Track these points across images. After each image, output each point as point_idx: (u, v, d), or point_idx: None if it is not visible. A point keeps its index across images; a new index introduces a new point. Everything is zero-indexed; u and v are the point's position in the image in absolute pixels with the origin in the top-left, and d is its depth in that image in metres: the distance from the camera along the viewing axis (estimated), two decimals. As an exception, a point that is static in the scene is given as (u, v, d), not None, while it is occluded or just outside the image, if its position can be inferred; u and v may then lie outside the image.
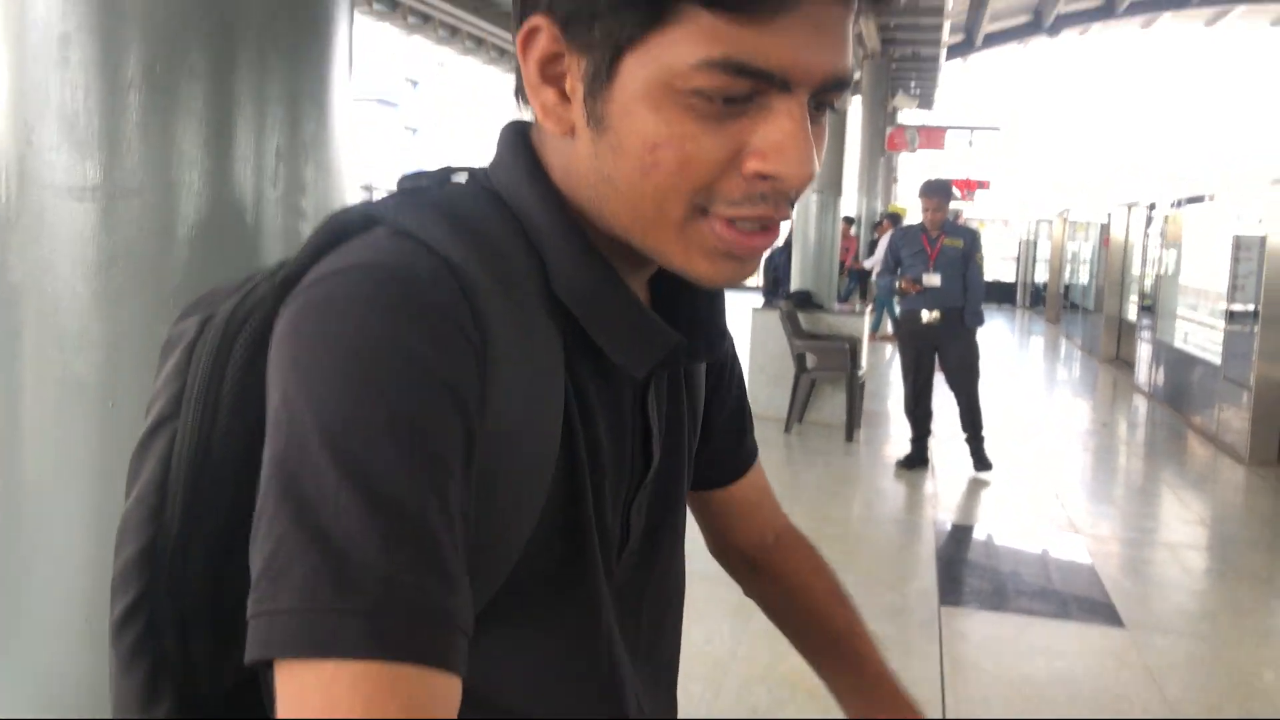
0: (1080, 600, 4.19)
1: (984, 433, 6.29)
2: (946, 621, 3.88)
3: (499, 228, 0.61)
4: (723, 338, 0.73)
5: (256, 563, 0.50)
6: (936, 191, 6.29)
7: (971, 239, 6.31)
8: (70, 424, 0.94)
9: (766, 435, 7.24)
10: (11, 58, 0.93)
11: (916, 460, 6.41)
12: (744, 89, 0.55)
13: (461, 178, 0.66)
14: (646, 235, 0.61)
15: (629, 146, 0.57)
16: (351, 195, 1.15)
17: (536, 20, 0.59)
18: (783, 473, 6.37)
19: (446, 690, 0.48)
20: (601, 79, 0.57)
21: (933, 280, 6.14)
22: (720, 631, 3.54)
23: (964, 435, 6.33)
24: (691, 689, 3.13)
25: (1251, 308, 7.20)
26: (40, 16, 0.92)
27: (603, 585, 0.66)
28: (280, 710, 0.47)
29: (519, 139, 0.65)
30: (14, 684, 0.94)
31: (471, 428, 0.54)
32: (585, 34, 0.57)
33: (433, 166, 0.68)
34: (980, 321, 6.30)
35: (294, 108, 1.03)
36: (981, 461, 6.28)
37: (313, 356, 0.52)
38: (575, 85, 0.59)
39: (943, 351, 6.28)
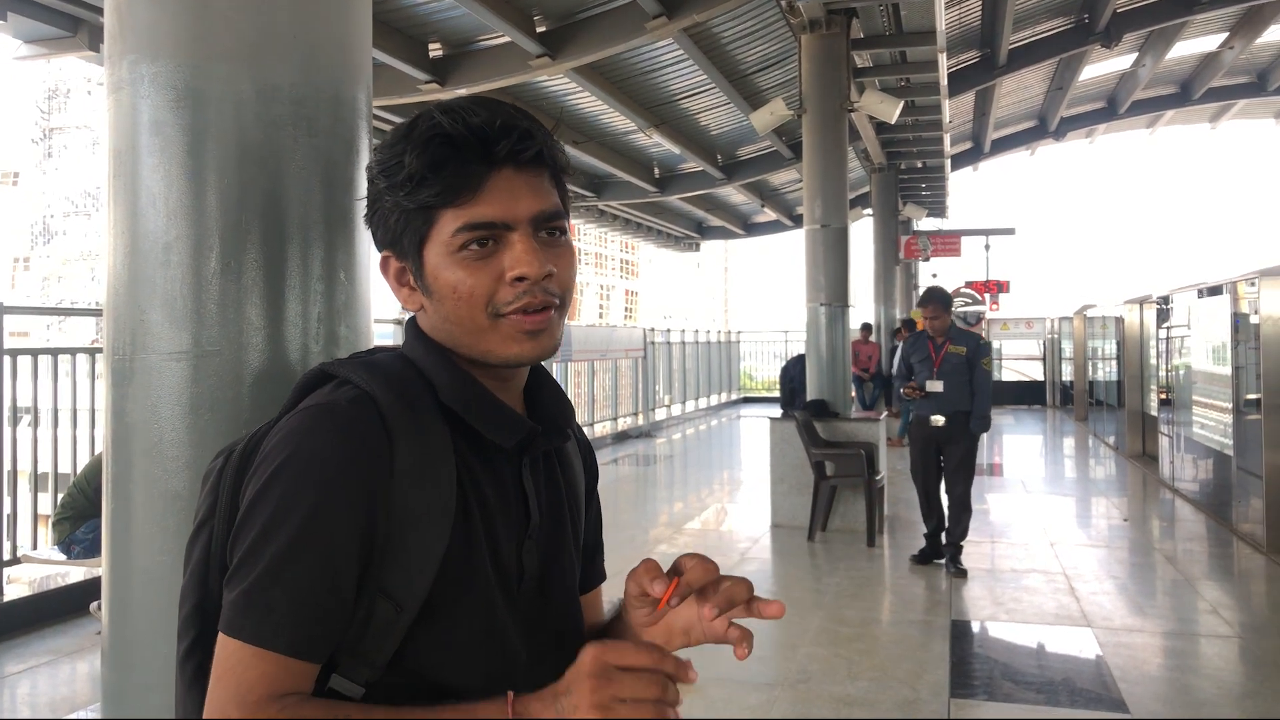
0: (1086, 691, 4.32)
1: (964, 541, 6.53)
2: (955, 712, 4.02)
3: (402, 370, 0.99)
4: (565, 427, 1.09)
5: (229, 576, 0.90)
6: (931, 300, 6.63)
7: (974, 346, 6.57)
8: (167, 525, 1.28)
9: (790, 545, 7.42)
10: (129, 260, 1.31)
11: (931, 555, 6.63)
12: (484, 235, 0.95)
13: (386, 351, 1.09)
14: (476, 343, 0.98)
15: (445, 295, 0.97)
16: (371, 341, 1.50)
17: (384, 253, 1.02)
18: (805, 580, 6.54)
19: (295, 668, 0.87)
20: (418, 268, 0.99)
21: (935, 386, 6.45)
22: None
23: (946, 537, 6.55)
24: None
25: (1257, 396, 7.37)
26: (149, 231, 1.30)
27: (496, 596, 0.98)
28: (216, 652, 0.88)
29: (411, 322, 1.05)
30: (130, 701, 1.26)
31: (371, 510, 0.90)
32: (401, 250, 0.99)
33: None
34: (985, 428, 6.51)
35: (330, 282, 1.39)
36: (957, 565, 6.45)
37: (270, 467, 0.90)
38: (411, 279, 1.00)
39: (945, 453, 6.57)
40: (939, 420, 6.48)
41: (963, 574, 6.36)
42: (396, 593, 0.92)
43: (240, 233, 1.30)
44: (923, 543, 6.78)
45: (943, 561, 6.59)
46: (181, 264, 1.28)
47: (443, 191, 0.94)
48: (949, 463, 6.55)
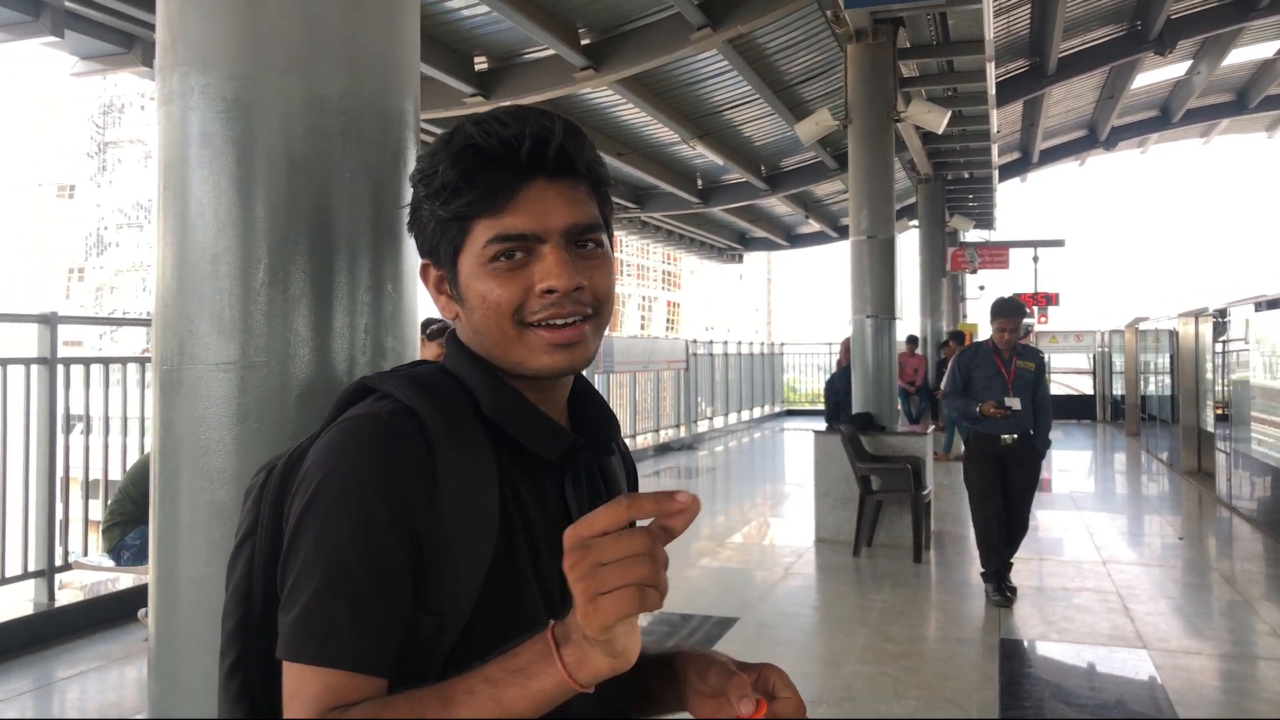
0: (1141, 713, 4.20)
1: (1013, 559, 6.23)
2: (1006, 734, 3.93)
3: (444, 384, 0.98)
4: (610, 441, 1.08)
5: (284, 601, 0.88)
6: (1009, 311, 6.07)
7: (1040, 362, 6.17)
8: (213, 535, 1.27)
9: (835, 560, 7.32)
10: (178, 271, 1.31)
11: (1008, 586, 6.08)
12: (514, 247, 0.94)
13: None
14: (506, 353, 0.97)
15: (475, 305, 0.96)
16: (418, 353, 1.49)
17: (423, 261, 1.02)
18: (850, 596, 6.45)
19: (362, 683, 0.86)
20: (453, 276, 0.98)
21: (1014, 403, 5.93)
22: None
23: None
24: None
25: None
26: (198, 242, 1.30)
27: (540, 611, 0.94)
28: (284, 679, 0.87)
29: (451, 334, 1.04)
30: (176, 713, 1.26)
31: (415, 522, 0.88)
32: (438, 258, 0.99)
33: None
34: (1048, 445, 6.18)
35: (377, 294, 1.38)
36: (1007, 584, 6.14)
37: (313, 483, 0.89)
38: (448, 287, 1.00)
39: (1010, 473, 6.09)
40: (1010, 439, 6.02)
41: (1014, 592, 6.17)
42: (439, 609, 0.90)
43: (288, 244, 1.30)
44: (974, 565, 6.35)
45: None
46: (230, 275, 1.29)
47: (474, 201, 0.94)
48: (1018, 483, 6.09)
